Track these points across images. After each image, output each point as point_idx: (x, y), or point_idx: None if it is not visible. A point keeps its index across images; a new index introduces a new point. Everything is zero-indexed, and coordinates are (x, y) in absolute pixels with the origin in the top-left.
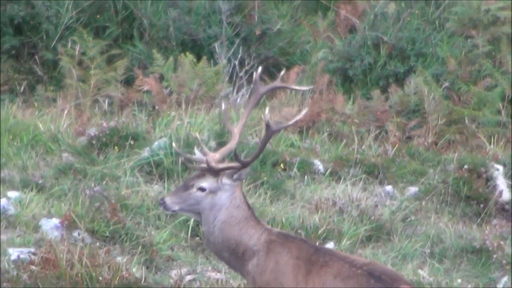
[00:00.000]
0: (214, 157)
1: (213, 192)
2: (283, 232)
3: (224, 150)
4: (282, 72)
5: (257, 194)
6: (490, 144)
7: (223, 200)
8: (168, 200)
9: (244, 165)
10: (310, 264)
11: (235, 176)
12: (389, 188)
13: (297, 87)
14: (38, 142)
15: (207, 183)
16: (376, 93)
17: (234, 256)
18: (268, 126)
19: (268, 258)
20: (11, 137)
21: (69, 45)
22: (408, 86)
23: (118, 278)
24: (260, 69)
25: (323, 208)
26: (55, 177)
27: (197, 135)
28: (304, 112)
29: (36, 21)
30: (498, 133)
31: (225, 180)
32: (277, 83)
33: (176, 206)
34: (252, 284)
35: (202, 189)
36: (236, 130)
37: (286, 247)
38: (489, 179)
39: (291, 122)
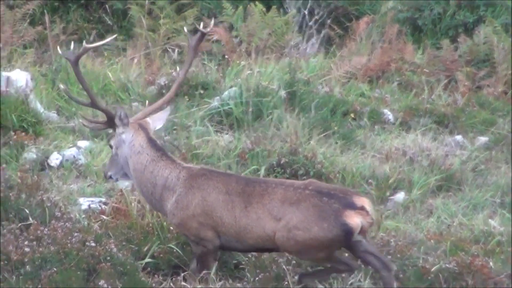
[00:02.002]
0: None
1: (118, 146)
2: (206, 167)
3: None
4: (212, 22)
5: (327, 143)
6: None
7: (125, 151)
8: (109, 172)
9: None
10: (246, 196)
11: (117, 121)
12: (459, 137)
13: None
14: (108, 92)
15: (112, 140)
16: (445, 42)
17: (157, 199)
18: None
19: (191, 193)
20: (81, 86)
21: None
22: (477, 35)
23: None
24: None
25: (393, 157)
26: None
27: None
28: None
29: None
30: None
31: (118, 131)
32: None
33: (114, 174)
34: (172, 219)
35: (111, 147)
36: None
37: (212, 183)
38: None
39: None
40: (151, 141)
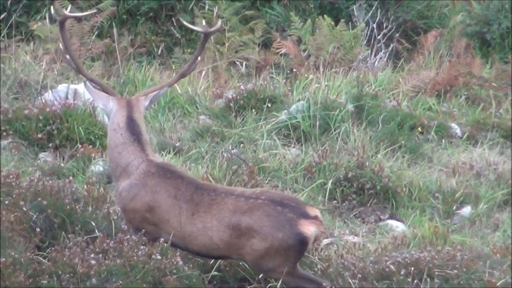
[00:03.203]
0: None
1: (107, 114)
2: (163, 165)
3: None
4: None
5: (394, 157)
6: None
7: (107, 123)
8: None
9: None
10: (193, 204)
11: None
12: None
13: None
14: (176, 105)
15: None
16: None
17: (116, 176)
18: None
19: (143, 190)
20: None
21: (205, 7)
22: None
23: None
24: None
25: (460, 172)
26: (192, 139)
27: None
28: None
29: None
30: None
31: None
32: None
33: None
34: (117, 201)
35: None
36: None
37: (164, 185)
38: None
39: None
40: (130, 122)
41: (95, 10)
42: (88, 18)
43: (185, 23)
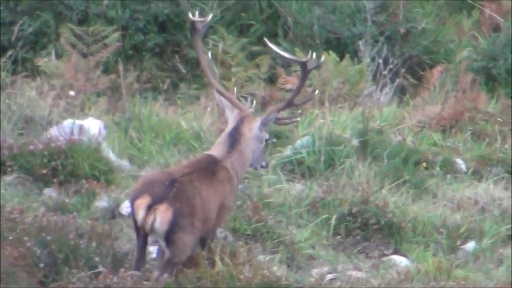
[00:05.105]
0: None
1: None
2: None
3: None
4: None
5: (399, 193)
6: None
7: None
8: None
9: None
10: None
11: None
12: None
13: None
14: (181, 140)
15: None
16: None
17: None
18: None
19: None
20: (154, 135)
21: (211, 43)
22: None
23: (259, 276)
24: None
25: (465, 207)
26: None
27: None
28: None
29: (181, 19)
30: None
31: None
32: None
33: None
34: None
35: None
36: None
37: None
38: None
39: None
40: (233, 131)
41: None
42: (94, 53)
43: (286, 55)
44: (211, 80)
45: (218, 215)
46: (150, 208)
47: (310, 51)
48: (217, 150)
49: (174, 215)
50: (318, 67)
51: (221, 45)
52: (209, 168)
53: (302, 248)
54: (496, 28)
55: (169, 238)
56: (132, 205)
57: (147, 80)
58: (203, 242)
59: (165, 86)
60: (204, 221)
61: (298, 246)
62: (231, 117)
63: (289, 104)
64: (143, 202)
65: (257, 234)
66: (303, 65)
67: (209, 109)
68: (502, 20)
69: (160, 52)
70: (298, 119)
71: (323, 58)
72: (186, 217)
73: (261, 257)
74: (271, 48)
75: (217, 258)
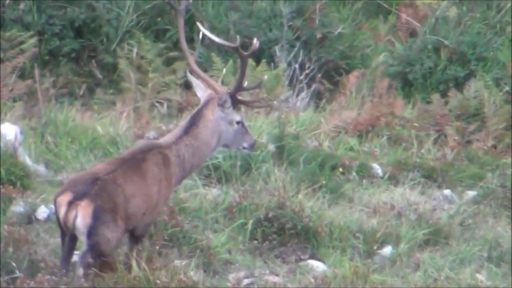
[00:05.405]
0: None
1: None
2: None
3: None
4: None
5: (315, 197)
6: None
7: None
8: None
9: None
10: None
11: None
12: (447, 192)
13: None
14: (97, 145)
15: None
16: (436, 97)
17: None
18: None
19: None
20: (70, 140)
21: (127, 48)
22: (468, 90)
23: (175, 281)
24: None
25: (381, 211)
26: None
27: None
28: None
29: (97, 24)
30: None
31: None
32: None
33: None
34: None
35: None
36: None
37: None
38: None
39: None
40: (195, 113)
41: None
42: (10, 59)
43: (218, 40)
44: (188, 58)
45: (154, 204)
46: (71, 204)
47: (255, 39)
48: (170, 134)
49: (95, 211)
50: (254, 53)
51: (135, 50)
52: (137, 159)
53: (219, 253)
54: (413, 33)
55: (91, 234)
56: (55, 203)
57: (63, 85)
58: (136, 237)
59: (81, 91)
60: (129, 218)
61: (214, 251)
62: (202, 98)
63: (239, 87)
64: (64, 199)
65: (173, 239)
66: (237, 50)
67: (124, 114)
68: (418, 25)
69: (76, 57)
70: (271, 103)
71: (256, 41)
72: (107, 213)
73: (177, 262)
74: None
75: (133, 263)
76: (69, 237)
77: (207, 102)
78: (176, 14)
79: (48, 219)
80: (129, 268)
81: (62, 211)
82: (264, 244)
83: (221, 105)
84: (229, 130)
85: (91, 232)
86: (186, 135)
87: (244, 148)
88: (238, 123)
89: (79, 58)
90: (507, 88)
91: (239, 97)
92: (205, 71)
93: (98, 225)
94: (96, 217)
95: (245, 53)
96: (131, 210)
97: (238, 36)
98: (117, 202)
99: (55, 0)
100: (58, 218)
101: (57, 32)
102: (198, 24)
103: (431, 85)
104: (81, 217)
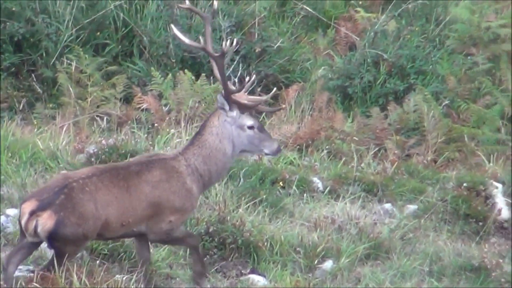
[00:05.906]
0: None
1: None
2: None
3: None
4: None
5: (256, 212)
6: (489, 162)
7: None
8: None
9: None
10: None
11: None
12: (388, 206)
13: None
14: (37, 160)
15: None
16: (375, 110)
17: None
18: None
19: None
20: (10, 154)
21: (67, 62)
22: (407, 104)
23: None
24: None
25: (322, 226)
26: None
27: None
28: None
29: (36, 39)
30: (497, 151)
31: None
32: None
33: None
34: None
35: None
36: None
37: None
38: (488, 197)
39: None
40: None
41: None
42: None
43: (186, 40)
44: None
45: (156, 213)
46: (33, 214)
47: (229, 40)
48: (181, 146)
49: (56, 224)
50: (225, 53)
51: (74, 64)
52: (129, 171)
53: (160, 267)
54: (352, 47)
55: (51, 245)
56: (20, 207)
57: (3, 100)
58: (146, 239)
59: (21, 106)
60: (105, 226)
61: (155, 265)
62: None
63: (227, 89)
64: (27, 207)
65: (114, 254)
66: (206, 51)
67: (64, 128)
68: (357, 38)
69: (15, 72)
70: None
71: (233, 43)
72: (69, 227)
73: (118, 277)
74: (127, 67)
75: (74, 277)
76: (29, 242)
77: (214, 111)
78: (204, 21)
79: None
80: (70, 282)
81: (24, 219)
82: (205, 259)
83: (222, 108)
84: (241, 135)
85: (51, 243)
86: (193, 145)
87: (266, 154)
88: (250, 127)
89: (18, 73)
90: (446, 101)
91: (241, 101)
92: (145, 85)
93: (57, 239)
94: (56, 231)
95: (215, 54)
96: (107, 218)
97: (210, 38)
98: (84, 212)
99: None
100: (20, 224)
101: None
102: (172, 26)
103: (370, 99)
104: (41, 230)
